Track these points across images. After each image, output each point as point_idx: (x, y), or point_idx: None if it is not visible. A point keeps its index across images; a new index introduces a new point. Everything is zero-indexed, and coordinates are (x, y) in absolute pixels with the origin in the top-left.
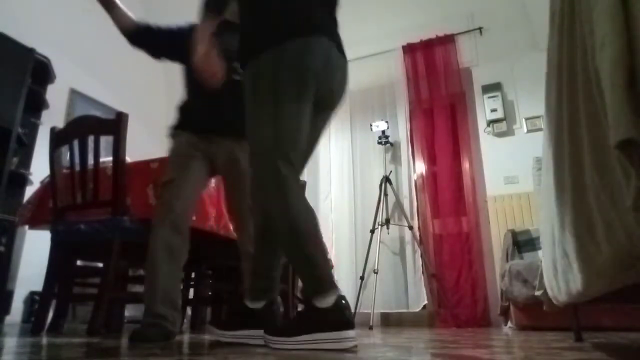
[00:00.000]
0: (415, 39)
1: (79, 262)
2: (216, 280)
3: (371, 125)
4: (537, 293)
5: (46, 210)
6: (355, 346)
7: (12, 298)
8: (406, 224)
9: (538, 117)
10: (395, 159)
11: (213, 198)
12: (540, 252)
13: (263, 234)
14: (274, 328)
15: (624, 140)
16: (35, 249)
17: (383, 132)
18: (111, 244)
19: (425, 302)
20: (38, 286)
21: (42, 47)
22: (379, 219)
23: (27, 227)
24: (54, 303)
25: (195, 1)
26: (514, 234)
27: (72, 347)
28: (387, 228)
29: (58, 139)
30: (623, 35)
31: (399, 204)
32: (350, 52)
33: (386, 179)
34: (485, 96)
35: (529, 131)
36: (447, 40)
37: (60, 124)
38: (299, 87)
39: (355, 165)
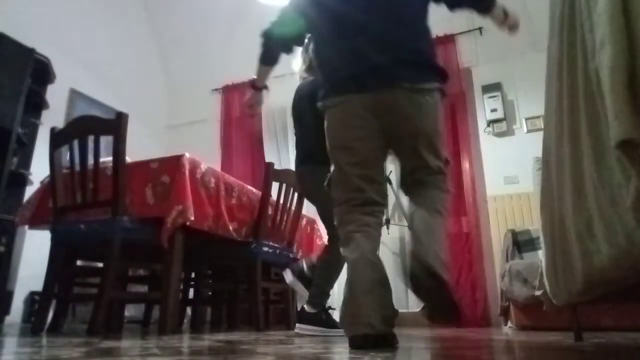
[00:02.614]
0: None
1: (79, 262)
2: (216, 280)
3: None
4: (537, 293)
5: (46, 210)
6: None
7: (12, 298)
8: (406, 224)
9: (538, 117)
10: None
11: (212, 199)
12: (540, 252)
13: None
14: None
15: (624, 140)
16: (35, 249)
17: None
18: (111, 244)
19: None
20: (38, 286)
21: (42, 47)
22: None
23: (27, 227)
24: (54, 303)
25: (195, 2)
26: (514, 234)
27: (72, 347)
28: (387, 228)
29: (58, 139)
30: (623, 35)
31: (399, 204)
32: None
33: (386, 180)
34: (485, 96)
35: (529, 131)
36: (447, 40)
37: (60, 124)
38: None
39: None
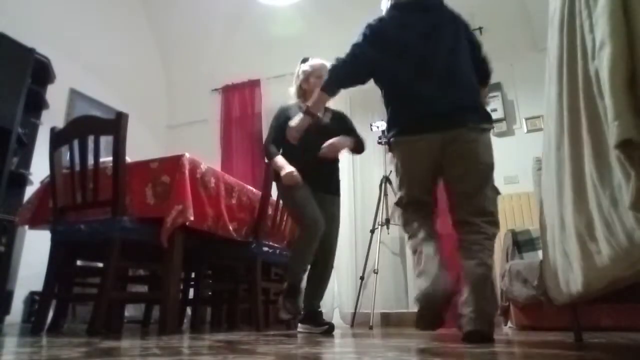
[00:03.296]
0: None
1: (79, 262)
2: (216, 280)
3: (371, 125)
4: (537, 293)
5: (46, 210)
6: None
7: (12, 298)
8: None
9: (538, 117)
10: None
11: (212, 199)
12: (540, 252)
13: None
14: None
15: (624, 141)
16: (35, 249)
17: (383, 132)
18: (111, 244)
19: None
20: (38, 286)
21: (42, 47)
22: (379, 219)
23: (27, 227)
24: (54, 303)
25: (195, 2)
26: (514, 234)
27: (72, 347)
28: (387, 228)
29: (58, 139)
30: (623, 35)
31: None
32: None
33: (386, 179)
34: None
35: (529, 131)
36: None
37: (60, 124)
38: None
39: (355, 166)
